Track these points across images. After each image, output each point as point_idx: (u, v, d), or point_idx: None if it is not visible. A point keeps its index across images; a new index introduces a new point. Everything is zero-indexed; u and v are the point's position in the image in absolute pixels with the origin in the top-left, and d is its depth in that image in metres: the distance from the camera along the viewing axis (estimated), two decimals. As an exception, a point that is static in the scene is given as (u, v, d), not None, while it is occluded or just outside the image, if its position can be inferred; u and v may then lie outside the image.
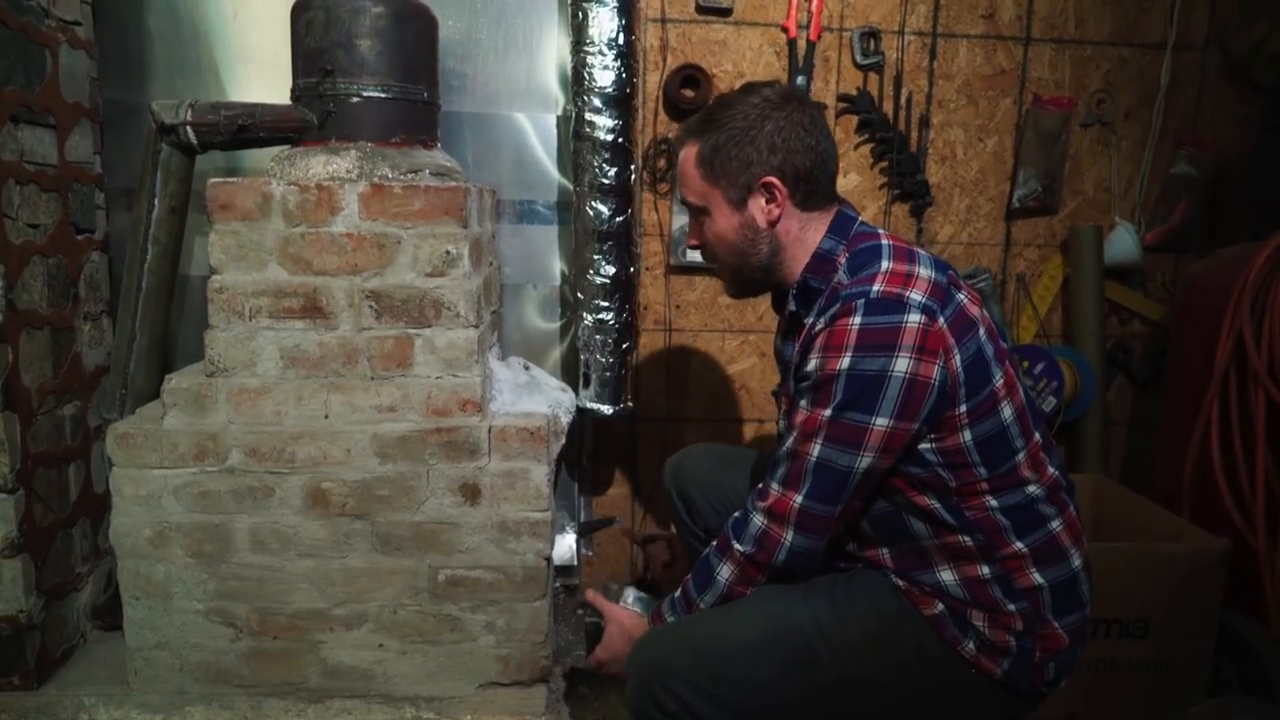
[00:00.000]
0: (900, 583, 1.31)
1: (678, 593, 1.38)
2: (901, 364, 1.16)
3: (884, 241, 1.29)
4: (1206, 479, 1.94)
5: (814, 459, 1.22)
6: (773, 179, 1.30)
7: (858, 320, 1.18)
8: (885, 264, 1.24)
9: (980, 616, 1.26)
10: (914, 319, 1.17)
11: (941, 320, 1.18)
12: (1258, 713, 1.61)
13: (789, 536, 1.25)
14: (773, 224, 1.33)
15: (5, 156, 1.68)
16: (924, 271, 1.22)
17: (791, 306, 1.37)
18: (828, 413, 1.20)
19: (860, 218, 1.36)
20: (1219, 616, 1.81)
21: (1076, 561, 1.29)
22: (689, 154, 1.35)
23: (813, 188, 1.32)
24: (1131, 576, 1.78)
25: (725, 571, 1.31)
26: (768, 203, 1.32)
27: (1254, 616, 1.83)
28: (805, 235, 1.34)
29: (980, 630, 1.26)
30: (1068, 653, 1.28)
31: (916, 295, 1.18)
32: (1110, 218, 2.41)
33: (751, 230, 1.34)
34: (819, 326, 1.23)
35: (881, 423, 1.18)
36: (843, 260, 1.30)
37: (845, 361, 1.18)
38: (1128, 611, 1.80)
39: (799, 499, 1.23)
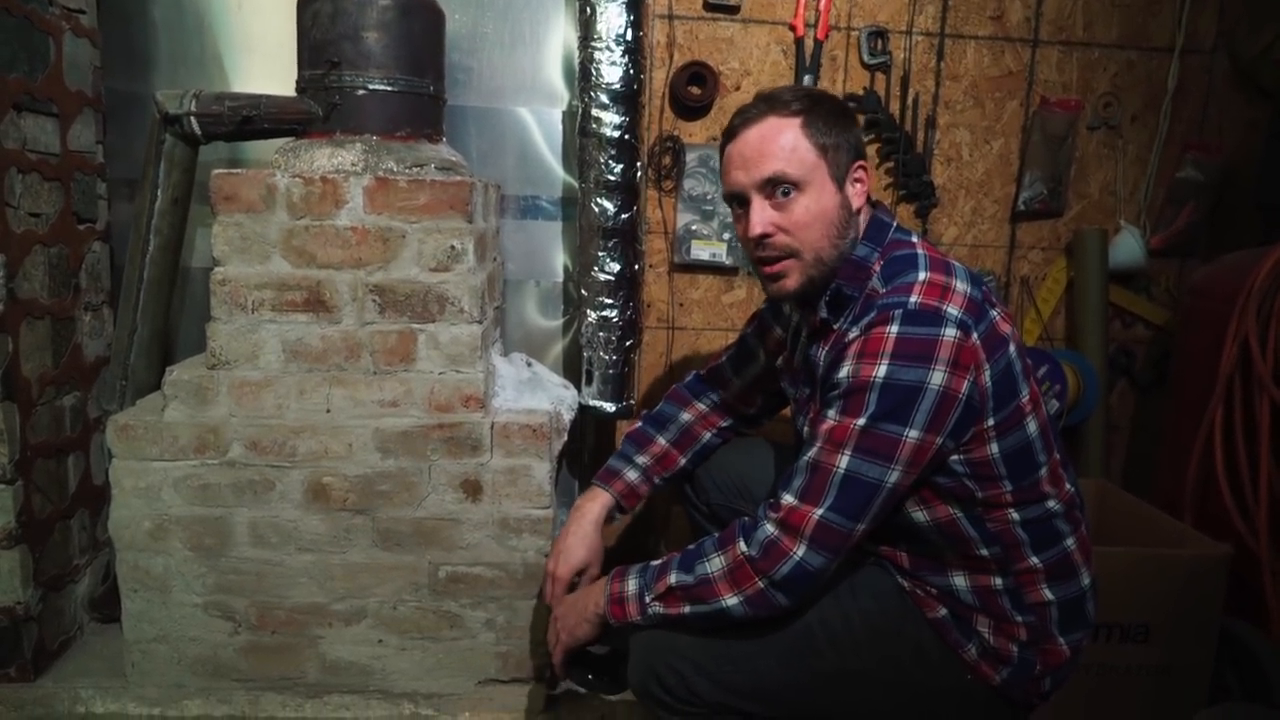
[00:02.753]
0: (905, 583, 1.32)
1: (656, 561, 1.31)
2: (937, 377, 1.15)
3: (919, 251, 1.27)
4: (1209, 485, 1.94)
5: (841, 470, 1.17)
6: (865, 163, 1.32)
7: (895, 329, 1.17)
8: (923, 274, 1.22)
9: (985, 623, 1.26)
10: (950, 333, 1.15)
11: (975, 336, 1.17)
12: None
13: (800, 550, 1.18)
14: (858, 210, 1.32)
15: (8, 145, 1.67)
16: (960, 285, 1.21)
17: (823, 313, 1.32)
18: (860, 422, 1.17)
19: (895, 222, 1.34)
20: (1221, 622, 1.81)
21: (1086, 580, 1.29)
22: (790, 124, 1.27)
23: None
24: (1133, 581, 1.77)
25: (716, 563, 1.23)
26: (858, 185, 1.31)
27: (1256, 623, 1.82)
28: (860, 230, 1.33)
29: (984, 636, 1.26)
30: (1066, 667, 1.29)
31: (953, 310, 1.17)
32: (1115, 221, 2.41)
33: (848, 212, 1.30)
34: (852, 335, 1.21)
35: (914, 435, 1.16)
36: (877, 268, 1.28)
37: (882, 370, 1.16)
38: (1129, 616, 1.79)
39: (819, 511, 1.17)
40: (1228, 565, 1.77)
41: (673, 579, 1.25)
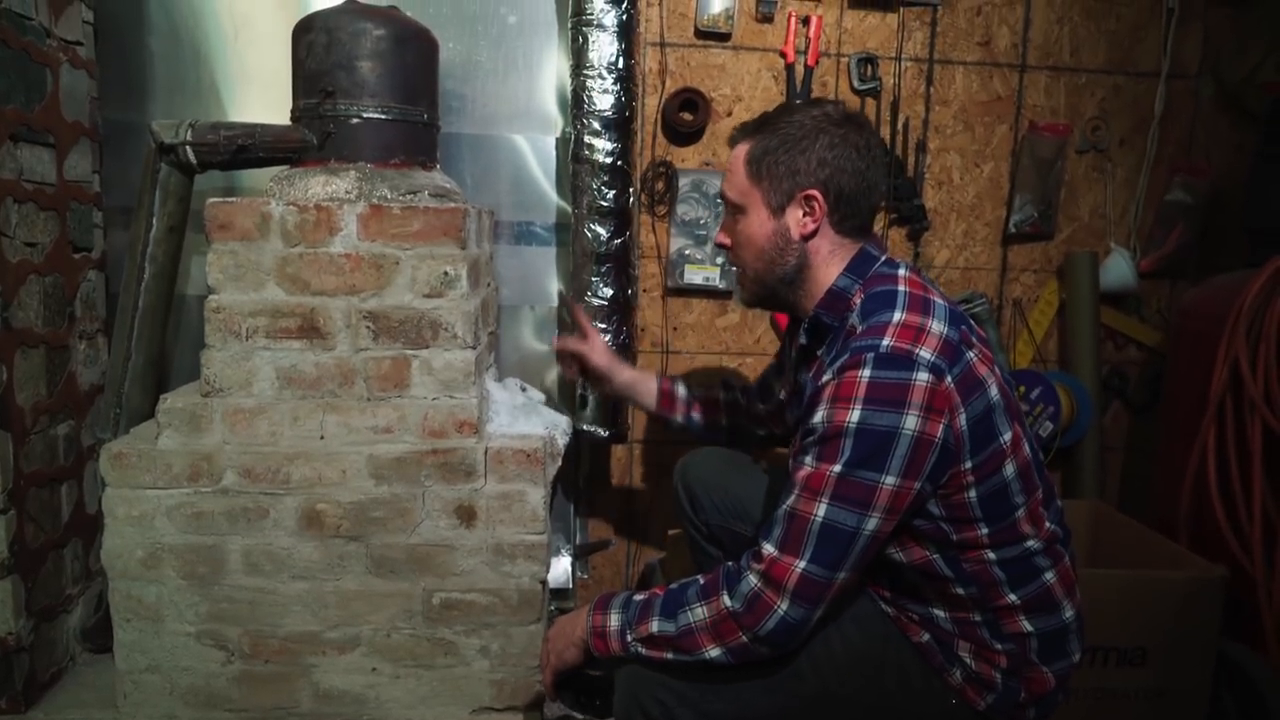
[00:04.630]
0: (890, 610, 1.31)
1: (640, 596, 1.28)
2: (911, 422, 1.13)
3: (900, 288, 1.25)
4: (1203, 506, 1.94)
5: (819, 519, 1.15)
6: (815, 192, 1.28)
7: (867, 374, 1.15)
8: (898, 315, 1.20)
9: (966, 648, 1.26)
10: (923, 378, 1.14)
11: (949, 379, 1.15)
12: (1257, 743, 1.60)
13: (783, 606, 1.15)
14: (805, 238, 1.31)
15: (4, 175, 1.68)
16: (936, 326, 1.18)
17: (803, 340, 1.35)
18: (837, 469, 1.14)
19: (884, 256, 1.33)
20: (1218, 646, 1.80)
21: (1068, 614, 1.27)
22: (740, 151, 1.34)
23: (852, 211, 1.31)
24: (1128, 603, 1.77)
25: (698, 614, 1.20)
26: (805, 215, 1.30)
27: (1253, 646, 1.82)
28: (833, 260, 1.32)
29: (966, 662, 1.26)
30: (1051, 697, 1.28)
31: (926, 353, 1.15)
32: (1106, 244, 2.42)
33: (783, 239, 1.32)
34: (826, 377, 1.20)
35: (891, 481, 1.14)
36: (857, 301, 1.27)
37: (855, 415, 1.14)
38: (1125, 639, 1.79)
39: (801, 564, 1.15)
40: (1223, 587, 1.77)
41: (655, 627, 1.23)
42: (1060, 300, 2.44)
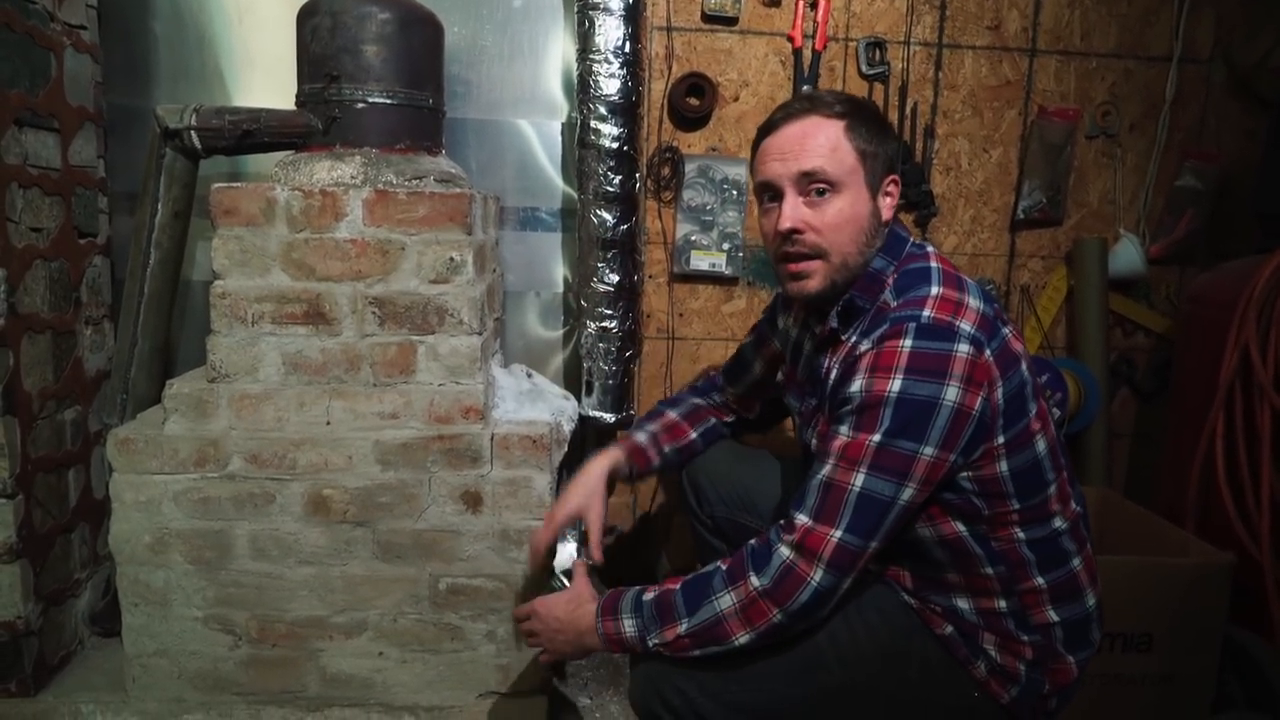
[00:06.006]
0: (913, 601, 1.31)
1: (650, 595, 1.25)
2: (951, 393, 1.13)
3: (933, 265, 1.26)
4: (1211, 493, 1.93)
5: (857, 489, 1.15)
6: (897, 178, 1.32)
7: (909, 343, 1.15)
8: (936, 289, 1.21)
9: (991, 640, 1.26)
10: (964, 349, 1.14)
11: (988, 353, 1.16)
12: (1263, 729, 1.60)
13: (817, 575, 1.15)
14: (886, 223, 1.32)
15: (9, 160, 1.68)
16: (974, 302, 1.20)
17: (833, 323, 1.32)
18: (876, 438, 1.14)
19: (912, 238, 1.34)
20: (1225, 632, 1.80)
21: (1091, 602, 1.28)
22: (834, 125, 1.26)
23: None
24: (1135, 589, 1.77)
25: (725, 601, 1.19)
26: (887, 197, 1.31)
27: (1260, 632, 1.81)
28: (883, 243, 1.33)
29: (991, 654, 1.26)
30: (1073, 687, 1.29)
31: (966, 326, 1.16)
32: (1115, 230, 2.41)
33: (877, 221, 1.30)
34: (864, 347, 1.20)
35: (929, 452, 1.14)
36: (890, 281, 1.27)
37: (896, 384, 1.14)
38: (1131, 625, 1.79)
39: (837, 533, 1.14)
40: (1231, 573, 1.76)
41: (682, 628, 1.21)
42: (1068, 286, 2.43)
